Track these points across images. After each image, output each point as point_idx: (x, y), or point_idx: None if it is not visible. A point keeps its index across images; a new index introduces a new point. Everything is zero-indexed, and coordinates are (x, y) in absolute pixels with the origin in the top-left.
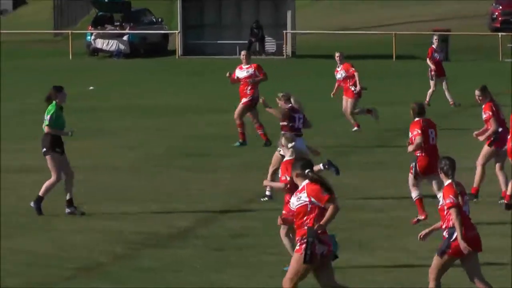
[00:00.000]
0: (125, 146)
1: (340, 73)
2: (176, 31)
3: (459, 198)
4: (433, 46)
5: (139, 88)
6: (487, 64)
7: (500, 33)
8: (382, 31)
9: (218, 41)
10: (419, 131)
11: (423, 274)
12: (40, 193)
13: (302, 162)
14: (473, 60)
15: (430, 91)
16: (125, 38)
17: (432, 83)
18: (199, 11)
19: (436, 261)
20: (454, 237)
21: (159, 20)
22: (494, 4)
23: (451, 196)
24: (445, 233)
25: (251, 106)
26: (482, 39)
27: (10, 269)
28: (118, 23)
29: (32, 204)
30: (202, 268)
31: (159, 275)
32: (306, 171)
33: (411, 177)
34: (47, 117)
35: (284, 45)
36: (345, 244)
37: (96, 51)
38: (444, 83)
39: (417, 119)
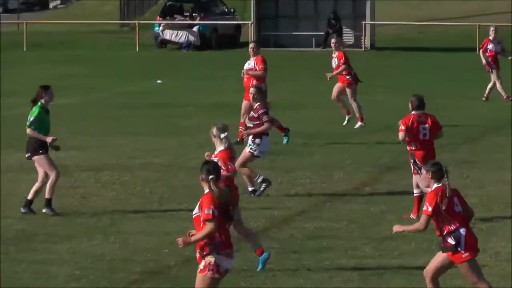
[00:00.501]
0: (196, 145)
1: (334, 61)
2: (250, 22)
3: (442, 205)
4: (489, 37)
5: (211, 82)
6: None
7: None
8: (466, 22)
9: (294, 33)
10: (404, 127)
11: (505, 276)
12: (47, 196)
13: (208, 166)
14: None
15: (490, 84)
16: (195, 29)
17: (492, 76)
18: (274, 1)
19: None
20: (462, 243)
21: (232, 10)
22: None
23: (427, 203)
24: (450, 240)
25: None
26: None
27: (73, 272)
28: (188, 13)
29: (44, 210)
30: (277, 272)
31: (231, 279)
32: (210, 177)
33: (414, 177)
34: (30, 118)
35: (363, 37)
36: (428, 246)
37: (164, 43)
38: (497, 77)
39: (413, 112)
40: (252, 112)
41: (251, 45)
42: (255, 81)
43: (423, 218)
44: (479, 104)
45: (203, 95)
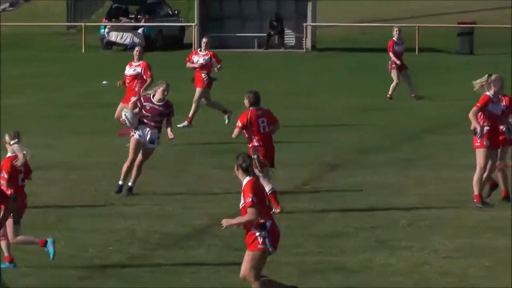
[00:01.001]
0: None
1: (203, 58)
2: (193, 24)
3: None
4: (393, 39)
5: (155, 82)
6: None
7: None
8: (406, 24)
9: (237, 34)
10: (241, 124)
11: (444, 274)
12: None
13: None
14: (498, 54)
15: (393, 84)
16: (140, 31)
17: (394, 76)
18: (218, 2)
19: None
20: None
21: (176, 12)
22: None
23: (251, 195)
24: (254, 230)
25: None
26: (508, 32)
27: (24, 270)
28: (133, 15)
29: None
30: (220, 268)
31: (174, 275)
32: None
33: (256, 170)
34: None
35: (304, 38)
36: (368, 243)
37: (110, 45)
38: (407, 76)
39: (250, 108)
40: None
41: (136, 49)
42: (138, 86)
43: (249, 210)
44: (419, 104)
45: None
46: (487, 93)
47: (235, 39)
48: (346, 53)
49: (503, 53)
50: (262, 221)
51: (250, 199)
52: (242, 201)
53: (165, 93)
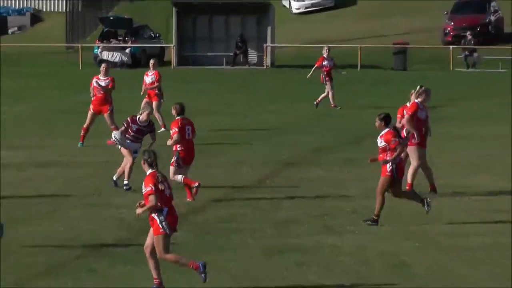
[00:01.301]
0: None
1: (151, 77)
2: (172, 45)
3: (160, 185)
4: (323, 55)
5: (138, 92)
6: (440, 73)
7: (451, 46)
8: (350, 45)
9: (208, 53)
10: (177, 129)
11: (381, 253)
12: None
13: None
14: (428, 70)
15: (324, 94)
16: (127, 50)
17: (329, 87)
18: (192, 26)
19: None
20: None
21: (157, 35)
22: (447, 20)
23: (151, 184)
24: (154, 215)
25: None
26: (436, 51)
27: (28, 249)
28: (121, 38)
29: None
30: (193, 250)
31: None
32: None
33: (172, 169)
34: None
35: (265, 57)
36: (318, 228)
37: (102, 62)
38: (330, 88)
39: (178, 117)
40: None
41: (103, 65)
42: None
43: (150, 197)
44: (364, 111)
45: (132, 103)
46: (416, 100)
47: (207, 57)
48: (299, 69)
49: (432, 69)
50: (160, 206)
51: (150, 188)
52: (144, 189)
53: (149, 115)
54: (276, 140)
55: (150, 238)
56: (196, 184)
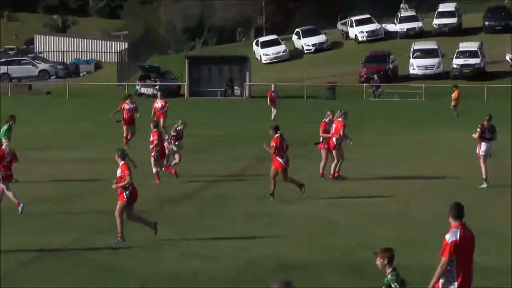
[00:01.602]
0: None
1: (160, 104)
2: (185, 83)
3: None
4: (271, 89)
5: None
6: (357, 102)
7: (364, 84)
8: (299, 83)
9: (208, 89)
10: (156, 137)
11: (321, 216)
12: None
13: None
14: (349, 99)
15: (274, 114)
16: (157, 87)
17: (274, 109)
18: (198, 71)
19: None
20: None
21: (176, 77)
22: (361, 67)
23: (126, 171)
24: (123, 190)
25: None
26: (354, 87)
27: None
28: (153, 79)
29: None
30: (200, 214)
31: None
32: None
33: (152, 160)
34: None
35: (245, 91)
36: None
37: (141, 95)
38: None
39: (154, 130)
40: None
41: (129, 94)
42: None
43: (127, 178)
44: (303, 127)
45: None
46: (340, 119)
47: (207, 91)
48: (266, 99)
49: (351, 99)
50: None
51: (127, 172)
52: (120, 173)
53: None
54: (251, 140)
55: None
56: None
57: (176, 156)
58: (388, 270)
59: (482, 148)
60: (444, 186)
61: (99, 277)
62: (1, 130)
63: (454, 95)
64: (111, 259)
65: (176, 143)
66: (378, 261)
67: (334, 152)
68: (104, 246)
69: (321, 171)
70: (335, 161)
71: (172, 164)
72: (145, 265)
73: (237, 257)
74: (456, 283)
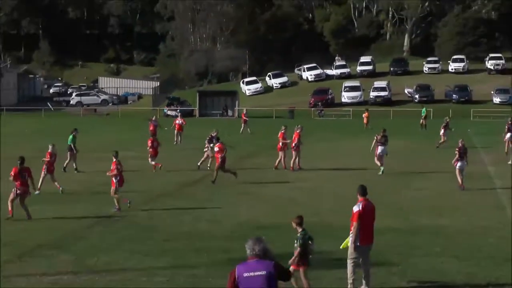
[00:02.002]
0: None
1: (180, 121)
2: (196, 108)
3: (119, 166)
4: (243, 112)
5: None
6: (308, 120)
7: (312, 108)
8: (270, 108)
9: (212, 111)
10: (115, 166)
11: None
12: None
13: None
14: (302, 118)
15: (243, 129)
16: (178, 110)
17: (243, 126)
18: (205, 100)
19: None
20: None
21: (190, 104)
22: (311, 97)
23: (115, 165)
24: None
25: None
26: (305, 111)
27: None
28: (175, 105)
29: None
30: (204, 194)
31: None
32: None
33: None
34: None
35: (235, 113)
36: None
37: (167, 115)
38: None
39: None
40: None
41: (154, 117)
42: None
43: (115, 170)
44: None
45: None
46: (298, 131)
47: (211, 113)
48: (252, 119)
49: (304, 118)
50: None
51: (113, 166)
52: (112, 166)
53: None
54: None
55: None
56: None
57: (208, 154)
58: (299, 230)
59: (379, 150)
60: (363, 174)
61: (141, 233)
62: (69, 138)
63: (365, 115)
64: (148, 221)
65: (211, 145)
66: (293, 224)
67: (293, 152)
68: (144, 214)
69: (275, 164)
70: (294, 158)
71: (205, 160)
72: (170, 226)
73: (230, 221)
74: (358, 240)
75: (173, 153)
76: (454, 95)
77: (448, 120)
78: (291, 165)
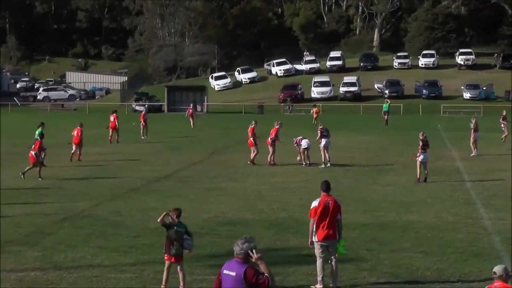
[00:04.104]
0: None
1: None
2: (164, 103)
3: None
4: (190, 107)
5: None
6: (277, 115)
7: (282, 104)
8: (241, 103)
9: (181, 107)
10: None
11: (253, 190)
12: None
13: None
14: (272, 114)
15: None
16: (146, 105)
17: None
18: (174, 95)
19: None
20: None
21: (159, 99)
22: (280, 93)
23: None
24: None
25: None
26: (275, 106)
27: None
28: (144, 99)
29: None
30: (174, 189)
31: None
32: None
33: None
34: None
35: (204, 108)
36: (225, 179)
37: (135, 111)
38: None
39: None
40: None
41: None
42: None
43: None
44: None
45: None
46: (277, 126)
47: (179, 108)
48: (221, 114)
49: (273, 113)
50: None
51: (37, 146)
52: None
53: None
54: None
55: None
56: None
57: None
58: (176, 220)
59: (323, 142)
60: (333, 169)
61: (109, 229)
62: (36, 133)
63: (314, 110)
64: (116, 217)
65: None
66: (172, 216)
67: (270, 147)
68: (112, 210)
69: (268, 160)
70: (271, 153)
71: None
72: (138, 222)
73: (199, 217)
74: (316, 236)
75: (141, 148)
76: (424, 91)
77: (505, 112)
78: (268, 160)
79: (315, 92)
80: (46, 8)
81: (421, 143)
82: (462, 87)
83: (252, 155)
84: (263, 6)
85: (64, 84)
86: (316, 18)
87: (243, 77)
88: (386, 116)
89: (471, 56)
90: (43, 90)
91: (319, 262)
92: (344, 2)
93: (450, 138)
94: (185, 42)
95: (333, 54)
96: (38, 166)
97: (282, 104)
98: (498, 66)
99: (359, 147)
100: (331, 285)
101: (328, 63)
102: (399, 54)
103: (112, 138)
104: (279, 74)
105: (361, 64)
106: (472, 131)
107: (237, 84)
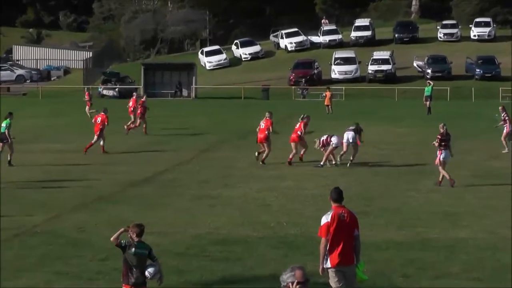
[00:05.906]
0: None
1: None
2: (141, 86)
3: None
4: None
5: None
6: (287, 101)
7: (293, 87)
8: (240, 85)
9: (162, 91)
10: None
11: (252, 196)
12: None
13: None
14: (280, 99)
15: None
16: (116, 89)
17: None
18: (153, 76)
19: None
20: None
21: (133, 81)
22: (290, 73)
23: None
24: None
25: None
26: (284, 90)
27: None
28: (113, 82)
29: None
30: (155, 195)
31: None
32: None
33: None
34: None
35: (192, 93)
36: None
37: (103, 96)
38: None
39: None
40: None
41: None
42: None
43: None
44: (248, 123)
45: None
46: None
47: (160, 93)
48: (210, 99)
49: (282, 99)
50: None
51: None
52: None
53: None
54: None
55: None
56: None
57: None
58: (136, 240)
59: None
60: (354, 171)
61: (69, 249)
62: (5, 124)
63: (326, 94)
64: (79, 234)
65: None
66: (131, 234)
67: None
68: (73, 224)
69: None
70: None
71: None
72: (107, 240)
73: (185, 234)
74: (329, 262)
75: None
76: (477, 70)
77: None
78: (301, 154)
79: (336, 71)
80: None
81: (438, 140)
82: None
83: (264, 154)
84: None
85: (11, 62)
86: None
87: (243, 52)
88: (428, 103)
89: None
90: None
91: None
92: None
93: None
94: (168, 7)
95: (359, 22)
96: None
97: (293, 87)
98: None
99: (393, 142)
100: None
101: (353, 34)
102: (444, 22)
103: (143, 127)
104: (289, 48)
105: (396, 35)
106: (505, 122)
107: (234, 61)
